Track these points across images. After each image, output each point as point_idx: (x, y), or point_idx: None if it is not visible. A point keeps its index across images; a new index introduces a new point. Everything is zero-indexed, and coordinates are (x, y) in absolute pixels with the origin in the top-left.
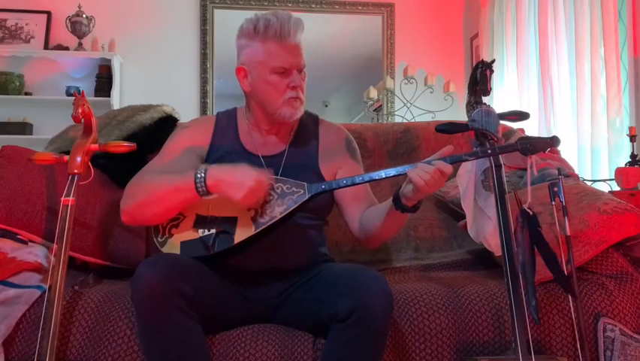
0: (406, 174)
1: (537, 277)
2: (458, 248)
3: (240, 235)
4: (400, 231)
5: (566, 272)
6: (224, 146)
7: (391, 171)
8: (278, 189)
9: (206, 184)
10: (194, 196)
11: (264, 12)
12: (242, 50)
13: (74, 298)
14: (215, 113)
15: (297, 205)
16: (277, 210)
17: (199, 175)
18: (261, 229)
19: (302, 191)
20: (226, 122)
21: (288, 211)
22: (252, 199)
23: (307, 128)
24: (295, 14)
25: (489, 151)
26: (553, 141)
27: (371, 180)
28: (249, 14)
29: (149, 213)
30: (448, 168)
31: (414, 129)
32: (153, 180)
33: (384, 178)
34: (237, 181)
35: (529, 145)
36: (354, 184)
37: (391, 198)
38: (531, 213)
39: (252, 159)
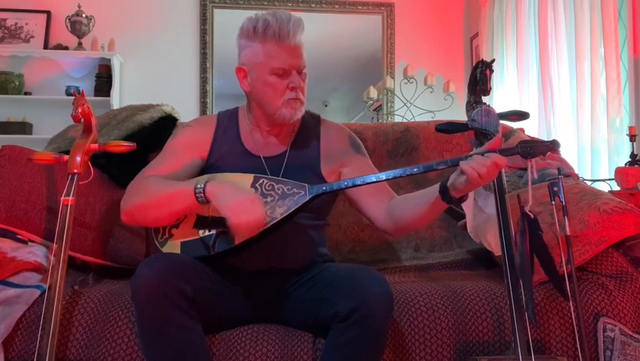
0: (429, 169)
1: (536, 277)
2: (458, 248)
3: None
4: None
5: (565, 272)
6: (226, 146)
7: (392, 173)
8: (279, 190)
9: (205, 192)
10: (194, 204)
11: (264, 12)
12: (242, 51)
13: (74, 298)
14: (215, 112)
15: (297, 206)
16: (278, 212)
17: (199, 186)
18: (261, 230)
19: (303, 192)
20: (227, 121)
21: (288, 212)
22: (241, 214)
23: (309, 129)
24: (295, 14)
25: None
26: (554, 145)
27: (368, 183)
28: (249, 14)
29: (150, 215)
30: (502, 161)
31: (414, 129)
32: (155, 185)
33: (383, 180)
34: (231, 192)
35: (530, 149)
36: (354, 186)
37: (430, 188)
38: (532, 216)
39: (252, 160)
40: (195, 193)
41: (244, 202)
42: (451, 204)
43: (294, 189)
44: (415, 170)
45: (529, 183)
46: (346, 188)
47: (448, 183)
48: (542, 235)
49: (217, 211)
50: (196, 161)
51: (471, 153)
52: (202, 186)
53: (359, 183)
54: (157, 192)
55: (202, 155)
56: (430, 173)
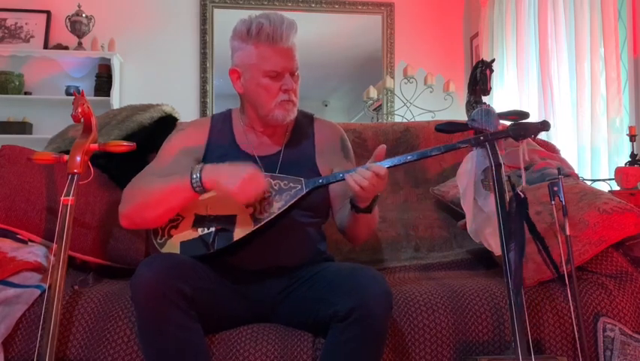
0: (344, 178)
1: (536, 276)
2: (458, 248)
3: (240, 232)
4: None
5: (565, 272)
6: (220, 147)
7: (388, 161)
8: (276, 185)
9: (202, 181)
10: (192, 195)
11: (257, 13)
12: (235, 52)
13: (74, 298)
14: (214, 113)
15: (295, 200)
16: (275, 207)
17: (195, 175)
18: (260, 225)
19: (299, 186)
20: (221, 123)
21: (286, 207)
22: (248, 191)
23: (303, 128)
24: (289, 16)
25: (481, 138)
26: (544, 126)
27: None
28: (249, 14)
29: (149, 216)
30: (381, 169)
31: (414, 129)
32: (150, 183)
33: None
34: (231, 174)
35: (521, 130)
36: None
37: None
38: (522, 195)
39: (247, 160)
40: (192, 185)
41: (246, 180)
42: (362, 213)
43: (291, 184)
44: (409, 158)
45: (522, 165)
46: (342, 180)
47: (351, 195)
48: (528, 212)
49: (215, 210)
50: (192, 164)
51: (358, 167)
52: (198, 176)
53: None
54: (152, 190)
55: (197, 157)
56: (430, 173)
